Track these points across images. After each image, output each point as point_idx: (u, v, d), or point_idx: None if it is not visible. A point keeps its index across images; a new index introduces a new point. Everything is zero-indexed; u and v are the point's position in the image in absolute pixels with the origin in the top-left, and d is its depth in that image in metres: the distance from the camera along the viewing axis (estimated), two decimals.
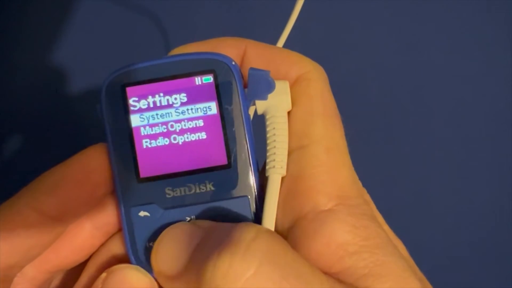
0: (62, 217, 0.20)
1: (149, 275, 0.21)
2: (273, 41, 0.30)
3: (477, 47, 0.46)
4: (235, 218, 0.21)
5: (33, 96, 0.44)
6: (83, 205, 0.21)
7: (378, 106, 0.45)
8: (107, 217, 0.22)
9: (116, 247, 0.22)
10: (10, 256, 0.20)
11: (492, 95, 0.46)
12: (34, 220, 0.20)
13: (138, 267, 0.21)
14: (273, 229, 0.20)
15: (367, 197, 0.22)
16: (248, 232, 0.18)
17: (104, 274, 0.20)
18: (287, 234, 0.20)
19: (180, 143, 0.21)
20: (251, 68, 0.21)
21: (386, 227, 0.22)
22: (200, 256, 0.18)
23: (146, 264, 0.21)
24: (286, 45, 0.30)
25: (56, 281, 0.23)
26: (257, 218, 0.21)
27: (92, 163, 0.21)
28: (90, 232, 0.22)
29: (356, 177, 0.21)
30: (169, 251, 0.20)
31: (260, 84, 0.21)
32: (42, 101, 0.44)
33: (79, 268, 0.22)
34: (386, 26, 0.46)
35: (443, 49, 0.46)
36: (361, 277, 0.18)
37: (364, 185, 0.22)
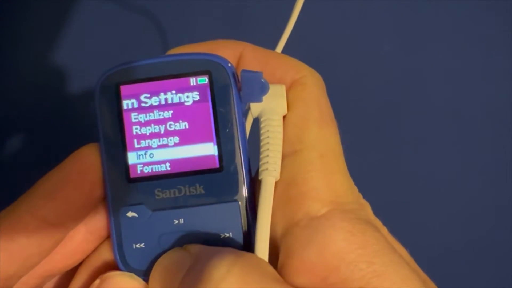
0: (62, 222, 0.20)
1: (143, 282, 0.20)
2: (273, 43, 0.30)
3: (477, 47, 0.46)
4: (224, 224, 0.20)
5: (33, 96, 0.44)
6: (82, 208, 0.21)
7: (378, 110, 0.45)
8: (100, 221, 0.21)
9: (109, 252, 0.21)
10: (10, 264, 0.19)
11: (492, 95, 0.45)
12: (34, 227, 0.20)
13: (132, 274, 0.21)
14: (268, 234, 0.20)
15: (364, 202, 0.21)
16: (220, 268, 0.17)
17: (97, 281, 0.20)
18: (280, 242, 0.19)
19: (172, 144, 0.21)
20: (244, 70, 0.20)
21: (385, 231, 0.21)
22: None
23: (130, 265, 0.21)
24: (285, 48, 0.30)
25: (47, 286, 0.23)
26: (248, 223, 0.20)
27: (87, 163, 0.21)
28: (84, 236, 0.21)
29: (352, 183, 0.20)
30: (160, 284, 0.20)
31: (253, 86, 0.20)
32: (42, 101, 0.44)
33: (70, 273, 0.22)
34: (386, 31, 0.46)
35: (443, 53, 0.46)
36: None
37: (363, 188, 0.21)
